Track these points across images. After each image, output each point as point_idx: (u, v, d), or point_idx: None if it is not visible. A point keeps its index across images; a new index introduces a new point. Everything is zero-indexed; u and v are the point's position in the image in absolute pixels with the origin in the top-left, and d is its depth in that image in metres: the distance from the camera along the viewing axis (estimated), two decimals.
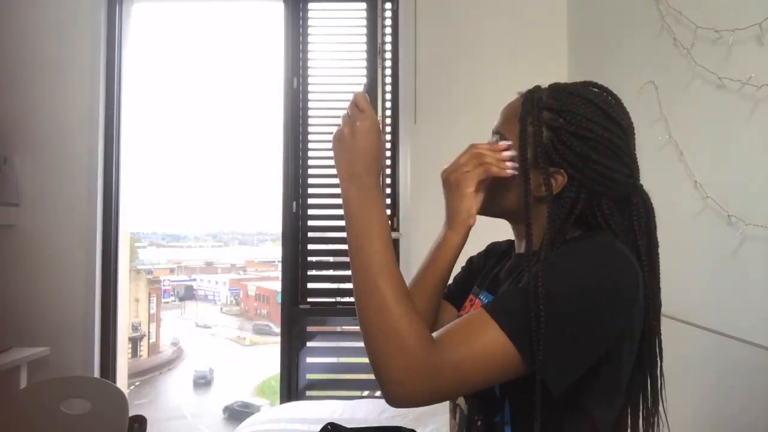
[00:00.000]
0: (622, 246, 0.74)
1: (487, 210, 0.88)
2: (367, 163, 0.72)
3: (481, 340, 0.65)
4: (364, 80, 2.52)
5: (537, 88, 0.84)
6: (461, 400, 0.88)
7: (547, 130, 0.79)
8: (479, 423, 0.80)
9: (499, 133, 0.85)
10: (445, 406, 2.03)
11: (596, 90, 0.83)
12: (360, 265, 0.69)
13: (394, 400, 0.65)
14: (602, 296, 0.68)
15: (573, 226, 0.80)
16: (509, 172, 0.82)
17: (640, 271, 0.73)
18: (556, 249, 0.73)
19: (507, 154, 0.82)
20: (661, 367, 0.80)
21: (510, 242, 1.01)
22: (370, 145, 0.73)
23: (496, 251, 1.02)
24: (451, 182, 0.86)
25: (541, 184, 0.78)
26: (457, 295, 1.02)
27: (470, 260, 1.06)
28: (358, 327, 0.68)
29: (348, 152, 0.72)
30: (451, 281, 1.05)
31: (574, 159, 0.77)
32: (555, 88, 0.83)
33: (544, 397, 0.66)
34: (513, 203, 0.83)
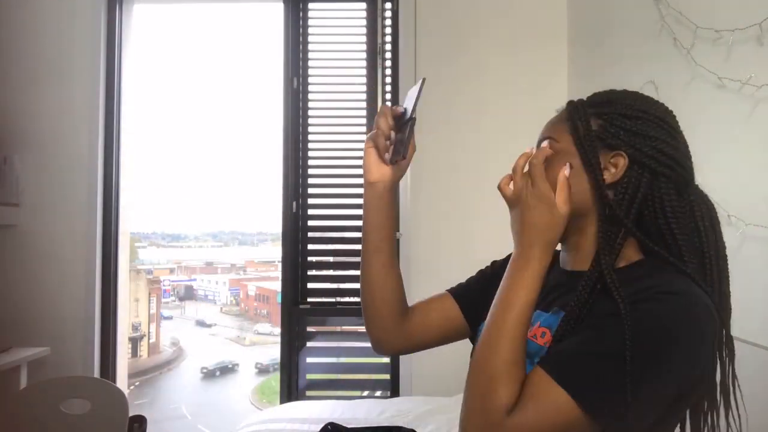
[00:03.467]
0: (700, 293, 0.69)
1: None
2: (532, 236, 0.73)
3: (550, 404, 0.63)
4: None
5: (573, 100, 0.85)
6: None
7: (595, 120, 0.78)
8: None
9: (548, 137, 0.81)
10: (446, 405, 2.01)
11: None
12: (493, 322, 0.71)
13: None
14: (685, 362, 0.66)
15: (630, 243, 0.76)
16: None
17: (718, 320, 0.69)
18: (626, 288, 0.68)
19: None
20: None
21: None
22: (540, 222, 0.73)
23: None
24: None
25: (606, 168, 0.76)
26: (465, 294, 0.98)
27: (493, 264, 1.02)
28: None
29: (518, 222, 0.75)
30: (464, 280, 1.03)
31: (631, 138, 0.75)
32: (592, 95, 0.84)
33: None
34: (576, 201, 0.76)
